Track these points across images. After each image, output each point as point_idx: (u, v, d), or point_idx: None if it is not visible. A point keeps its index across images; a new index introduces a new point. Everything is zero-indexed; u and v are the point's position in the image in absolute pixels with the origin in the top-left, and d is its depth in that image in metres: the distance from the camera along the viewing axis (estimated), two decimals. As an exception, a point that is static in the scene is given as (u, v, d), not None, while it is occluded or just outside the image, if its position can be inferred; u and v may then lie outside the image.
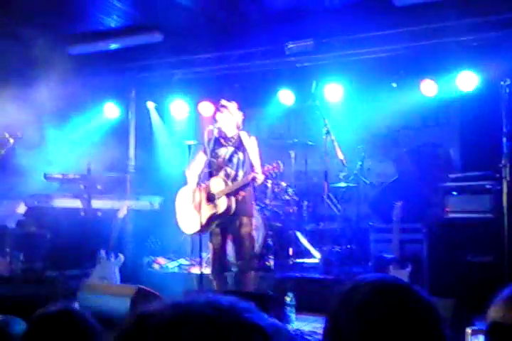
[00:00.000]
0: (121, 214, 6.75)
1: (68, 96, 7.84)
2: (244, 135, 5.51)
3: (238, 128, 5.59)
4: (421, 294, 1.32)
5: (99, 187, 7.22)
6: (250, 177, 5.20)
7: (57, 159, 7.77)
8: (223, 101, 5.57)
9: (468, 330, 2.62)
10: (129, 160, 8.44)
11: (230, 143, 5.53)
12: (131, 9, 7.23)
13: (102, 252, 6.50)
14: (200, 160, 5.59)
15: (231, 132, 5.55)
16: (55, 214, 7.08)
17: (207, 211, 5.30)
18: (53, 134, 7.98)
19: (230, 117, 5.50)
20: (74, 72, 7.16)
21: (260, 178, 5.20)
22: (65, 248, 6.76)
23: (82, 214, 7.06)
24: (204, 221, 5.24)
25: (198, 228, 5.29)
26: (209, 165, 5.47)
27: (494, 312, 1.58)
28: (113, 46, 7.92)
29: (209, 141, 5.48)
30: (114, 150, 8.09)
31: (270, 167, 5.19)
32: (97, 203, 7.11)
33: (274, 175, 5.31)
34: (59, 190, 7.38)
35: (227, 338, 0.85)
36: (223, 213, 5.32)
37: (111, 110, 8.88)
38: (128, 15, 7.41)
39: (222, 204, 5.31)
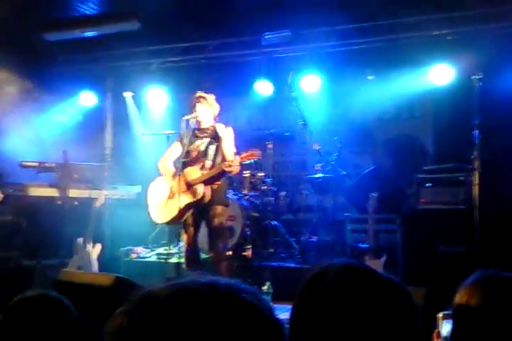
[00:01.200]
0: (99, 203, 6.73)
1: (44, 83, 7.77)
2: (220, 126, 5.50)
3: (214, 119, 5.60)
4: (386, 278, 1.31)
5: (75, 176, 7.17)
6: (223, 166, 5.18)
7: (33, 147, 7.70)
8: (201, 93, 5.55)
9: (440, 315, 2.70)
10: (106, 149, 8.41)
11: (205, 134, 5.51)
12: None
13: (80, 241, 6.50)
14: (175, 150, 5.58)
15: (207, 123, 5.55)
16: (31, 203, 7.02)
17: (181, 200, 5.29)
18: (29, 121, 7.90)
19: (208, 109, 5.50)
20: (50, 58, 7.08)
21: (233, 167, 5.16)
22: (41, 237, 6.72)
23: (59, 202, 7.02)
24: (178, 210, 5.24)
25: (172, 216, 5.30)
26: (185, 155, 5.48)
27: (460, 297, 1.67)
28: (89, 33, 7.83)
29: (185, 131, 5.48)
30: (91, 139, 8.05)
31: (248, 154, 5.12)
32: (73, 192, 7.07)
33: (251, 162, 5.27)
34: (35, 178, 7.31)
35: (221, 315, 0.86)
36: (197, 201, 5.30)
37: (87, 98, 8.81)
38: (105, 2, 7.35)
39: (198, 191, 5.29)
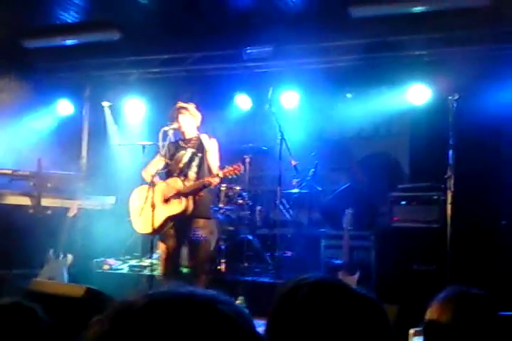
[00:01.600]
0: (72, 213, 6.66)
1: (21, 91, 7.69)
2: (204, 137, 5.49)
3: (198, 129, 5.59)
4: (359, 292, 1.32)
5: (49, 184, 7.08)
6: (207, 179, 5.17)
7: (7, 154, 7.60)
8: (181, 104, 5.54)
9: (411, 331, 2.71)
10: (82, 158, 8.33)
11: (189, 144, 5.49)
12: (90, 5, 7.15)
13: (51, 251, 6.40)
14: (158, 162, 5.53)
15: (190, 133, 5.53)
16: (2, 211, 6.91)
17: (163, 211, 5.24)
18: (4, 129, 7.80)
19: (191, 119, 5.49)
20: (28, 65, 7.02)
21: (216, 181, 5.18)
22: (12, 246, 6.60)
23: (31, 211, 6.92)
24: (160, 221, 5.19)
25: (154, 227, 5.23)
26: (166, 166, 5.45)
27: (430, 313, 1.71)
28: (69, 42, 7.80)
29: (167, 144, 5.43)
30: (67, 149, 7.97)
31: (230, 169, 5.12)
32: (47, 201, 6.98)
33: (234, 176, 5.25)
34: (8, 186, 7.20)
35: (197, 326, 0.85)
36: (180, 214, 5.26)
37: (64, 107, 8.74)
38: (86, 11, 7.32)
39: (179, 204, 5.25)
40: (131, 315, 0.87)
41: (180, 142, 5.55)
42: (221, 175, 5.11)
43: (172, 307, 0.87)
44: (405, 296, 5.29)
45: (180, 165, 5.43)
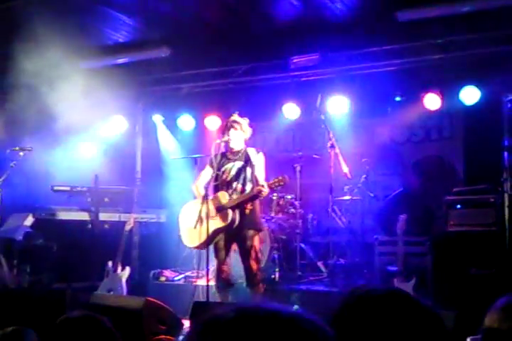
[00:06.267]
0: (129, 226, 6.81)
1: (78, 109, 7.94)
2: (251, 151, 5.54)
3: (246, 143, 5.65)
4: (429, 307, 1.34)
5: (106, 199, 7.28)
6: (255, 190, 5.22)
7: (66, 171, 7.85)
8: (236, 117, 5.60)
9: (468, 339, 2.66)
10: (136, 173, 8.52)
11: (237, 157, 5.57)
12: (139, 25, 7.35)
13: (109, 264, 6.56)
14: (207, 174, 5.61)
15: (239, 147, 5.60)
16: (62, 227, 7.14)
17: (211, 224, 5.29)
18: (62, 147, 8.07)
19: (241, 134, 5.56)
20: (85, 85, 7.25)
21: (265, 191, 5.22)
22: (72, 260, 6.80)
23: (90, 226, 7.12)
24: (207, 235, 5.24)
25: (201, 241, 5.30)
26: (215, 178, 5.52)
27: (489, 320, 1.65)
28: (121, 60, 8.04)
29: (216, 155, 5.52)
30: (122, 164, 8.17)
31: (276, 180, 5.17)
32: (104, 215, 7.18)
33: (279, 188, 5.30)
34: (66, 202, 7.44)
35: None
36: (227, 226, 5.33)
37: (119, 123, 8.97)
38: (136, 30, 7.52)
39: (226, 217, 5.31)
40: (220, 326, 0.92)
41: (228, 154, 5.62)
42: (267, 186, 5.15)
43: (259, 322, 0.92)
44: (463, 302, 5.17)
45: (228, 178, 5.51)
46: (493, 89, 6.74)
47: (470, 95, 7.16)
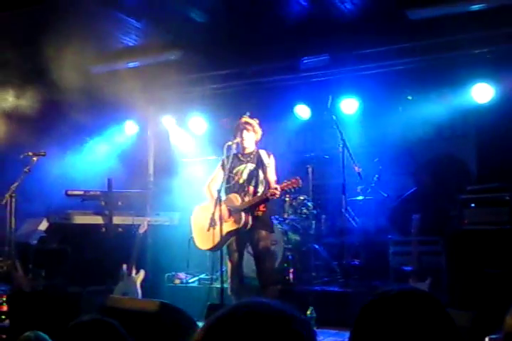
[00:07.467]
0: (142, 229, 6.83)
1: (90, 114, 7.98)
2: (263, 153, 5.55)
3: (256, 144, 5.65)
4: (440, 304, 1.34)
5: (119, 203, 7.31)
6: (268, 193, 5.21)
7: (79, 176, 7.90)
8: (247, 119, 5.61)
9: (486, 339, 2.64)
10: (149, 176, 8.55)
11: (248, 159, 5.58)
12: (150, 28, 7.37)
13: (124, 267, 6.58)
14: (218, 176, 5.62)
15: (250, 148, 5.61)
16: (76, 231, 7.17)
17: (225, 227, 5.30)
18: (75, 152, 8.12)
19: (253, 135, 5.57)
20: (96, 90, 7.29)
21: (278, 194, 5.22)
22: (86, 264, 6.84)
23: (104, 230, 7.15)
24: (220, 237, 5.24)
25: (214, 243, 5.29)
26: (227, 180, 5.52)
27: (510, 323, 1.62)
28: (132, 64, 8.07)
29: (228, 156, 5.53)
30: (134, 167, 8.20)
31: (289, 183, 5.16)
32: (117, 219, 7.21)
33: (292, 190, 5.29)
34: (80, 206, 7.48)
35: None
36: (240, 228, 5.34)
37: (130, 127, 9.02)
38: (146, 34, 7.55)
39: (239, 219, 5.32)
40: (221, 326, 1.06)
41: (239, 155, 5.62)
42: (279, 189, 5.15)
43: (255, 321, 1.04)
44: (479, 301, 5.14)
45: (240, 180, 5.51)
46: (506, 86, 6.68)
47: (483, 93, 7.12)
